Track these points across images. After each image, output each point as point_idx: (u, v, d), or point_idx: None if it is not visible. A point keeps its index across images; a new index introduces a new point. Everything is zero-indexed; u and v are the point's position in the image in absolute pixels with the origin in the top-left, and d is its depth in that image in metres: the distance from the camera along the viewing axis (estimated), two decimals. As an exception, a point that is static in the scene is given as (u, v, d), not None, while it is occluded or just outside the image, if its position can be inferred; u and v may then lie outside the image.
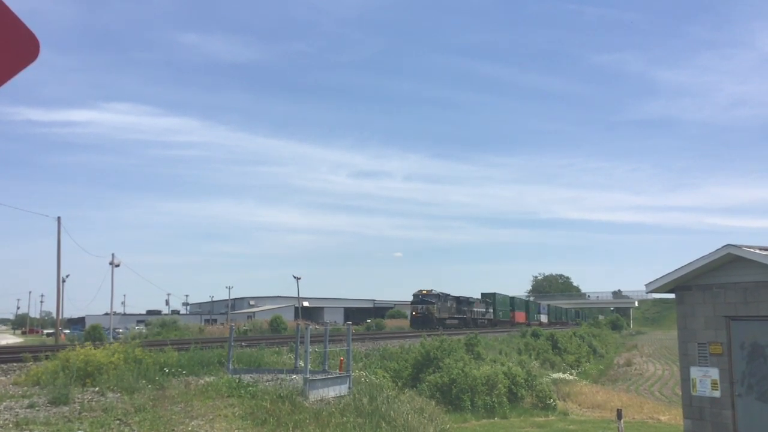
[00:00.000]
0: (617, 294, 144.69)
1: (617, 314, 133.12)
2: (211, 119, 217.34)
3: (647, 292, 13.21)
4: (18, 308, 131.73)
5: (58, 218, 44.45)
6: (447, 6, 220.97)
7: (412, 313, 52.68)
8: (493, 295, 70.17)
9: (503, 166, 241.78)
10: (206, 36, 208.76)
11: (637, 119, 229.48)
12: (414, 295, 52.55)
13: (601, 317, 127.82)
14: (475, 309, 62.40)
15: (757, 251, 10.66)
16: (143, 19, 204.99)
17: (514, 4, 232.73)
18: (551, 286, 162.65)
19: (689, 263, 11.54)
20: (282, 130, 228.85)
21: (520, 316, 78.28)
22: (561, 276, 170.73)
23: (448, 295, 55.56)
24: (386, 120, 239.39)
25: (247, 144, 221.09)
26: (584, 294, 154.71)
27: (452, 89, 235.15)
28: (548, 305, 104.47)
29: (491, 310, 67.48)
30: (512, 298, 78.00)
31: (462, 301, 58.90)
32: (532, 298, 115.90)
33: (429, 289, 52.58)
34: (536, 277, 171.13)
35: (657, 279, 12.19)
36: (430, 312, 49.94)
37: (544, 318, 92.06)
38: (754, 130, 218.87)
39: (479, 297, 66.97)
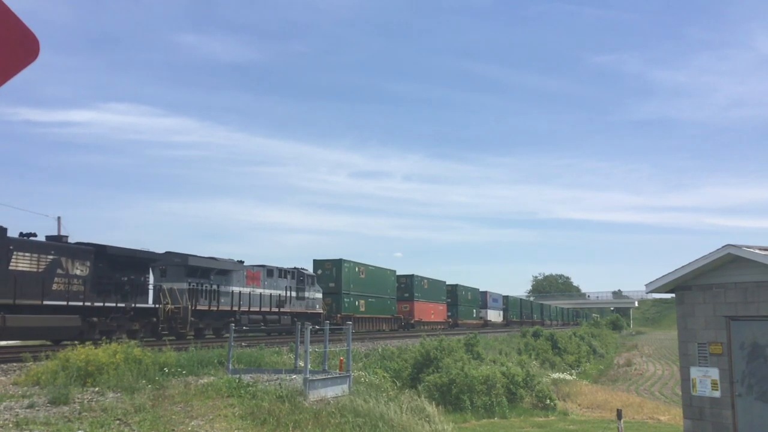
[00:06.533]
0: (617, 294, 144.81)
1: (617, 314, 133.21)
2: (210, 119, 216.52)
3: (647, 293, 13.22)
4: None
5: (58, 218, 44.25)
6: (446, 6, 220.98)
7: None
8: (338, 262, 37.31)
9: (502, 166, 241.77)
10: (205, 36, 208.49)
11: (635, 119, 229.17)
12: None
13: (595, 316, 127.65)
14: (236, 289, 28.90)
15: (757, 251, 10.66)
16: (142, 19, 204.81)
17: (513, 5, 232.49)
18: (551, 286, 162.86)
19: (689, 263, 11.55)
20: (282, 130, 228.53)
21: (429, 311, 47.57)
22: (561, 276, 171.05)
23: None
24: (385, 120, 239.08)
25: (247, 144, 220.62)
26: (584, 294, 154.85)
27: (451, 89, 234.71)
28: (505, 297, 75.61)
29: (317, 296, 34.45)
30: (410, 277, 46.22)
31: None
32: (532, 298, 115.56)
33: None
34: (536, 277, 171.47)
35: (657, 279, 12.19)
36: None
37: (494, 315, 65.10)
38: (752, 131, 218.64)
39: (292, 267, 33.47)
